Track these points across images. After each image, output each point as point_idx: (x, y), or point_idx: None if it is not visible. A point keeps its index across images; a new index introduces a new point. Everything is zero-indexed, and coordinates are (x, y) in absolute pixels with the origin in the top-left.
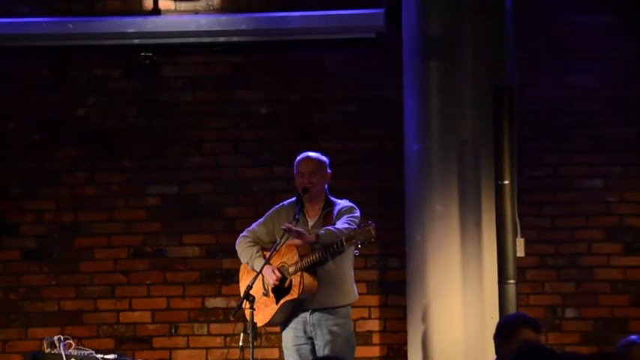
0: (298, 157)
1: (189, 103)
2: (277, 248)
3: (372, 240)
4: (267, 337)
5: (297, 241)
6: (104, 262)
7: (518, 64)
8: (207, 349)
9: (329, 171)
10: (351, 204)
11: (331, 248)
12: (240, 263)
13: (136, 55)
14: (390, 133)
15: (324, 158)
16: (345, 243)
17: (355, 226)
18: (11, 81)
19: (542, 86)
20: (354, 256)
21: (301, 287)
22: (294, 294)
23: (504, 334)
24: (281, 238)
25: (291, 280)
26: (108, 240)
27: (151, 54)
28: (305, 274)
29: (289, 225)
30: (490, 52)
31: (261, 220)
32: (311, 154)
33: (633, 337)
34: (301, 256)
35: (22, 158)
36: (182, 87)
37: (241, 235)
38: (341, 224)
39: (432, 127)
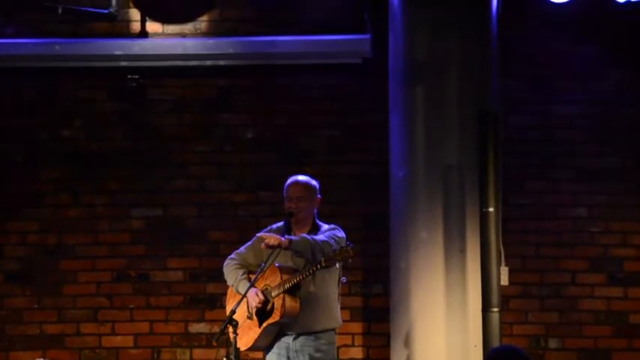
0: (288, 181)
1: (175, 126)
2: (262, 271)
3: (350, 260)
4: None
5: (272, 241)
6: (87, 285)
7: (503, 91)
8: None
9: (319, 196)
10: (335, 225)
11: (311, 269)
12: (226, 287)
13: (122, 77)
14: (375, 159)
15: (313, 183)
16: (324, 263)
17: (333, 242)
18: None
19: (527, 114)
20: (342, 283)
21: (282, 310)
22: (275, 317)
23: None
24: (266, 262)
25: (273, 303)
26: (92, 263)
27: (137, 76)
28: (287, 297)
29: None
30: (475, 77)
31: (249, 243)
32: (300, 178)
33: None
34: (284, 278)
35: (6, 179)
36: (168, 110)
37: (229, 257)
38: (319, 236)
39: (417, 152)
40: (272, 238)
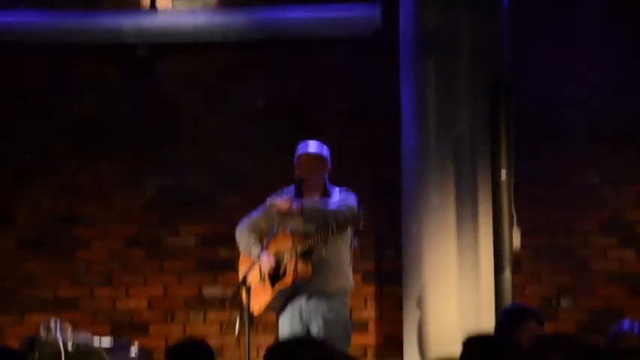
0: (299, 147)
1: (186, 98)
2: (274, 235)
3: (361, 226)
4: (264, 324)
5: (283, 206)
6: (100, 252)
7: (515, 58)
8: (203, 336)
9: (329, 162)
10: (348, 190)
11: (323, 234)
12: (238, 252)
13: (132, 51)
14: (387, 130)
15: (325, 149)
16: (335, 229)
17: (345, 208)
18: (9, 74)
19: (538, 80)
20: (353, 246)
21: (295, 274)
22: (288, 280)
23: (509, 325)
24: (278, 226)
25: (285, 267)
26: (104, 231)
27: (147, 50)
28: (299, 261)
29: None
30: (487, 47)
31: (260, 208)
32: (312, 144)
33: (626, 323)
34: (296, 243)
35: (19, 149)
36: (179, 83)
37: (241, 222)
38: (332, 204)
39: (428, 122)
40: (283, 205)
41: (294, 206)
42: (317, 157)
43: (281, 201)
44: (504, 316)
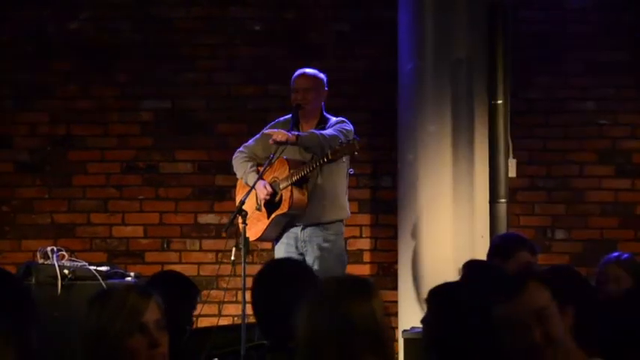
0: (295, 74)
1: (184, 19)
2: (270, 163)
3: (356, 153)
4: (259, 253)
5: (279, 135)
6: (97, 176)
7: None
8: (198, 264)
9: (326, 88)
10: (343, 118)
11: (319, 161)
12: (235, 180)
13: None
14: (385, 53)
15: (321, 75)
16: (330, 156)
17: (341, 135)
18: None
19: (536, 7)
20: (349, 174)
21: (291, 201)
22: (283, 208)
23: (501, 254)
24: (274, 153)
25: (281, 195)
26: (101, 154)
27: None
28: (294, 189)
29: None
30: None
31: (257, 135)
32: (308, 70)
33: (614, 254)
34: (292, 171)
35: (15, 70)
36: (177, 2)
37: (238, 150)
38: (328, 131)
39: (426, 45)
40: (279, 134)
41: (290, 134)
42: (313, 78)
43: (276, 132)
44: (496, 245)
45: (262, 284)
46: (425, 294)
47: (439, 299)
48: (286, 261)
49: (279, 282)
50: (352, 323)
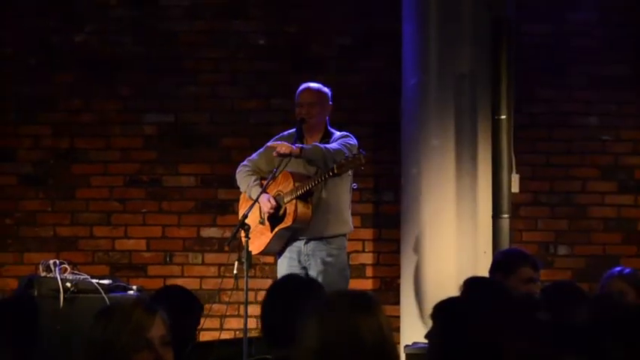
0: (299, 88)
1: (187, 32)
2: (274, 177)
3: (362, 168)
4: (262, 267)
5: (283, 149)
6: (100, 189)
7: None
8: (201, 278)
9: (330, 103)
10: (347, 133)
11: (323, 176)
12: (238, 194)
13: None
14: (388, 66)
15: (325, 90)
16: (336, 170)
17: (346, 150)
18: (9, 5)
19: (540, 21)
20: (352, 188)
21: (295, 215)
22: (288, 222)
23: (503, 270)
24: (278, 167)
25: (285, 208)
26: (104, 167)
27: None
28: (298, 202)
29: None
30: None
31: (261, 149)
32: (312, 85)
33: (616, 269)
34: (296, 184)
35: (18, 83)
36: (180, 16)
37: (241, 164)
38: (332, 145)
39: (429, 60)
40: (283, 147)
41: (294, 147)
42: (317, 93)
43: (280, 144)
44: (498, 260)
45: (277, 296)
46: (427, 309)
47: (445, 314)
48: (300, 277)
49: (294, 295)
50: (361, 337)
